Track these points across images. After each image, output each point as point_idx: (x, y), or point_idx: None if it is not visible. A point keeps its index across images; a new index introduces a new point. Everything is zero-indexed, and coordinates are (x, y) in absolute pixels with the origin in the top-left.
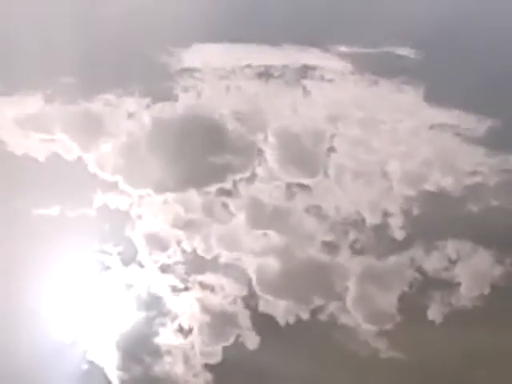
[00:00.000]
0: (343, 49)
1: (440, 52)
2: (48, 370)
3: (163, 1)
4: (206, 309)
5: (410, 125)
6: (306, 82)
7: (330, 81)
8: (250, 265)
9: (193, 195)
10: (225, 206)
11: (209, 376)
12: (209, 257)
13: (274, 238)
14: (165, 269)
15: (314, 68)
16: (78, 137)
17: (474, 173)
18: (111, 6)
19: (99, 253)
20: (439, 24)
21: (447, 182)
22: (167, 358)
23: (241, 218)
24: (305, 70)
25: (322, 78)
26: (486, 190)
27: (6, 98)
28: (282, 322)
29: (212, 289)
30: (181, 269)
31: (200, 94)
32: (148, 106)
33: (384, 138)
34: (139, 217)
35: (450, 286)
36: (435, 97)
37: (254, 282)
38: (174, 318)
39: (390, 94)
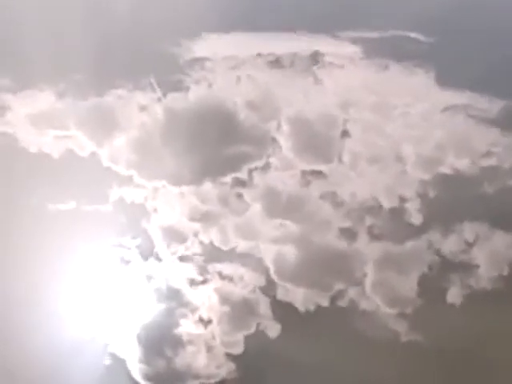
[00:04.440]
0: (352, 34)
1: (450, 34)
2: (70, 365)
3: None
4: (225, 299)
5: (423, 108)
6: (316, 68)
7: (341, 67)
8: (268, 254)
9: (208, 186)
10: (240, 196)
11: (231, 366)
12: (226, 247)
13: (291, 226)
14: (183, 260)
15: (324, 55)
16: (91, 132)
17: (488, 154)
18: (121, 1)
19: (117, 246)
20: (449, 6)
21: (462, 164)
22: (189, 350)
23: (257, 207)
24: (315, 57)
25: (332, 65)
26: (501, 171)
27: (18, 94)
28: (301, 309)
29: (231, 279)
30: (199, 260)
31: (211, 84)
32: (160, 99)
33: (397, 122)
34: (155, 210)
35: (469, 268)
36: (447, 79)
37: (273, 271)
38: (194, 309)
39: (401, 77)
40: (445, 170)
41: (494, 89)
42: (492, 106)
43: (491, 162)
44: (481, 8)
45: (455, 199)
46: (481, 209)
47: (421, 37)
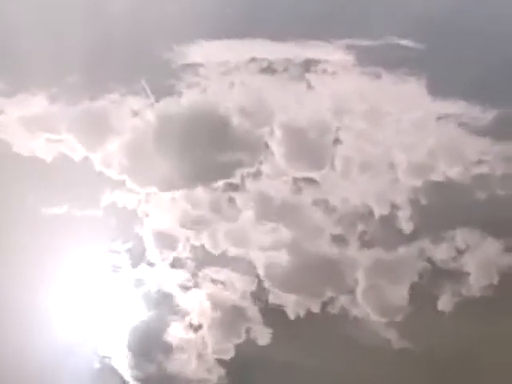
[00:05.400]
0: (345, 41)
1: (443, 42)
2: (60, 370)
3: None
4: (216, 305)
5: (415, 116)
6: (309, 75)
7: (334, 74)
8: (259, 260)
9: (200, 192)
10: (232, 201)
11: (222, 371)
12: (217, 253)
13: (283, 232)
14: (174, 266)
15: (317, 62)
16: (83, 136)
17: (479, 162)
18: (114, 5)
19: (108, 251)
20: (441, 13)
21: (454, 172)
22: (180, 355)
23: (248, 213)
24: (308, 64)
25: (325, 72)
26: (492, 179)
27: (10, 98)
28: (292, 315)
29: (222, 284)
30: (190, 265)
31: (204, 90)
32: (152, 104)
33: (389, 130)
34: (147, 214)
35: (460, 275)
36: (439, 87)
37: (264, 277)
38: (185, 315)
39: (394, 85)
40: (436, 177)
41: (487, 97)
42: (484, 114)
43: (482, 170)
44: (473, 15)
45: (447, 207)
46: (472, 216)
47: (412, 44)
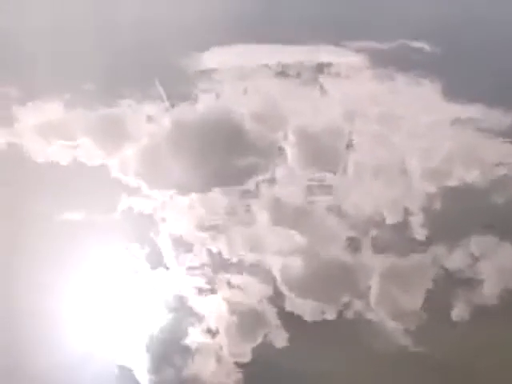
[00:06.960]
0: (358, 44)
1: (458, 44)
2: (80, 375)
3: (179, 6)
4: (233, 309)
5: (430, 119)
6: (322, 79)
7: (347, 77)
8: (275, 265)
9: (216, 197)
10: (248, 206)
11: (239, 375)
12: (234, 258)
13: (297, 237)
14: (191, 270)
15: (330, 65)
16: (99, 142)
17: (498, 165)
18: (130, 13)
19: (126, 256)
20: (455, 16)
21: (472, 176)
22: (197, 359)
23: (264, 218)
24: (321, 68)
25: (338, 75)
26: (509, 183)
27: (26, 105)
28: (308, 319)
29: (239, 289)
30: (207, 270)
31: (219, 95)
32: (168, 109)
33: (403, 134)
34: (164, 220)
35: (475, 281)
36: (453, 90)
37: (279, 282)
38: (202, 319)
39: (407, 88)
40: (453, 182)
41: (502, 100)
42: (501, 117)
43: (500, 172)
44: (487, 20)
45: (462, 212)
46: (488, 221)
47: (427, 46)
